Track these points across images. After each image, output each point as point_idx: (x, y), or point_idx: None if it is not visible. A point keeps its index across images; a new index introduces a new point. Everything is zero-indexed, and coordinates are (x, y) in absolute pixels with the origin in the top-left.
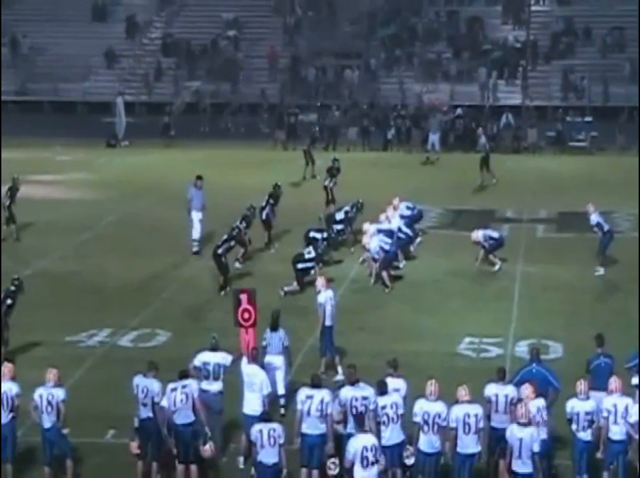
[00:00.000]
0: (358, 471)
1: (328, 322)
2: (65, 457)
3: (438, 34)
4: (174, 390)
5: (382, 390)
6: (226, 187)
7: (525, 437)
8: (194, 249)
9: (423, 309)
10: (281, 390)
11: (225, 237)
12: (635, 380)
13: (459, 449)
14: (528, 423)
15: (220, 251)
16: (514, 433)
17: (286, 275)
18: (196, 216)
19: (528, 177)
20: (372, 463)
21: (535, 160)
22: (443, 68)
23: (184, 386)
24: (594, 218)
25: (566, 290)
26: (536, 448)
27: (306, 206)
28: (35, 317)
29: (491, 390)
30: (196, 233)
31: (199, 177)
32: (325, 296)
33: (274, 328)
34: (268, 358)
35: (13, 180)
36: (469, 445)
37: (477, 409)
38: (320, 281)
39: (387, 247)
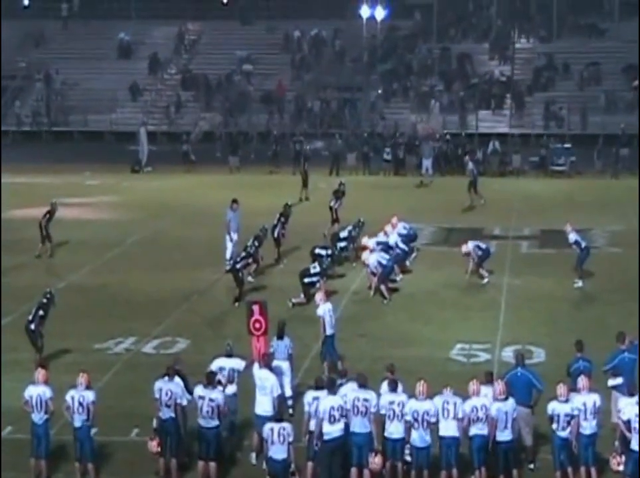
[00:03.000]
0: (326, 426)
1: (328, 332)
2: (87, 460)
3: (431, 69)
4: (202, 398)
5: (392, 387)
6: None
7: (508, 410)
8: (227, 268)
9: (418, 318)
10: (288, 392)
11: (243, 254)
12: (611, 382)
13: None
14: (506, 398)
15: (238, 266)
16: (500, 408)
17: (294, 288)
18: (233, 236)
19: (513, 198)
20: (338, 420)
21: (519, 183)
22: (436, 100)
23: (211, 400)
24: (572, 236)
25: (548, 300)
26: (514, 415)
27: (313, 225)
28: (67, 326)
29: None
30: (228, 253)
31: (235, 201)
32: (324, 308)
33: (280, 336)
34: (275, 363)
35: (52, 204)
36: (448, 428)
37: (455, 398)
38: (319, 296)
39: (384, 262)
